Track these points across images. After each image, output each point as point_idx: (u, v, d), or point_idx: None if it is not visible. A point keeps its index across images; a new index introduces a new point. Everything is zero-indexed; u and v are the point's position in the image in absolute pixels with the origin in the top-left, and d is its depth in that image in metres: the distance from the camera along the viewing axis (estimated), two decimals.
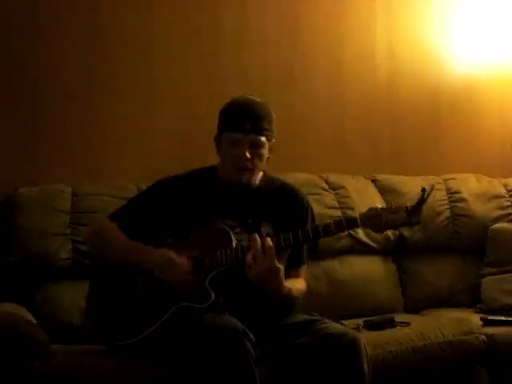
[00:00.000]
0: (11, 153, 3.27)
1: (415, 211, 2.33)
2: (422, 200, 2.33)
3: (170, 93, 3.53)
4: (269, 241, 2.38)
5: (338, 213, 3.40)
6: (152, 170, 3.41)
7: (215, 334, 2.27)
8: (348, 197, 3.52)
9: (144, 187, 3.16)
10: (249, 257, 2.38)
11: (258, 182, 2.64)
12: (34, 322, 2.66)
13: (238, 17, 3.66)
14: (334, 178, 3.58)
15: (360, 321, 3.00)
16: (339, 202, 3.49)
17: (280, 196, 2.67)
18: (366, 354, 2.42)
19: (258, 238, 2.39)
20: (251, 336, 2.30)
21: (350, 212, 3.45)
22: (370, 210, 2.38)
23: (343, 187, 3.55)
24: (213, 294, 2.42)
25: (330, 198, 3.45)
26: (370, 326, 2.95)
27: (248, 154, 2.53)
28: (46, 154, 3.33)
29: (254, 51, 3.68)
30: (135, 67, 3.49)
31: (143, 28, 3.50)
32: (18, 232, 3.00)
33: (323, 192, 3.46)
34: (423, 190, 2.33)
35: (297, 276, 2.62)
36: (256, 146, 2.54)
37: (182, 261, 2.47)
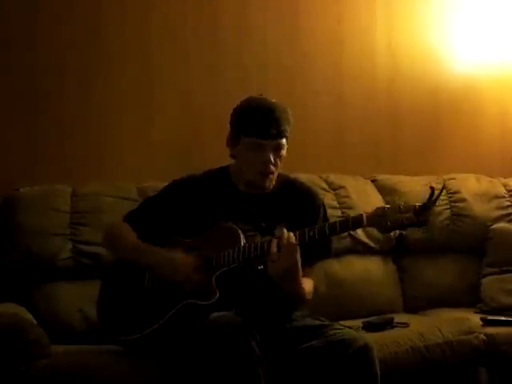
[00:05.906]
0: (11, 153, 3.28)
1: (423, 211, 2.25)
2: (431, 200, 2.25)
3: (170, 93, 3.53)
4: (292, 236, 2.35)
5: (337, 213, 3.39)
6: (152, 170, 3.43)
7: (220, 332, 2.27)
8: (348, 197, 3.52)
9: (144, 187, 3.19)
10: (274, 250, 2.34)
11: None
12: (34, 321, 2.65)
13: (238, 17, 3.66)
14: (333, 178, 3.58)
15: (359, 322, 3.00)
16: (339, 202, 3.49)
17: (293, 197, 2.63)
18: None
19: (285, 231, 2.36)
20: (256, 335, 2.30)
21: (349, 212, 3.45)
22: (377, 209, 2.32)
23: (343, 187, 3.55)
24: (218, 292, 2.41)
25: (329, 198, 3.44)
26: (369, 327, 2.94)
27: (272, 159, 2.51)
28: (46, 154, 3.34)
29: (254, 51, 3.68)
30: (135, 67, 3.49)
31: (143, 27, 3.50)
32: (18, 232, 3.00)
33: (323, 192, 3.45)
34: (432, 188, 2.26)
35: (306, 276, 2.56)
36: (278, 149, 2.53)
37: (186, 260, 2.47)
